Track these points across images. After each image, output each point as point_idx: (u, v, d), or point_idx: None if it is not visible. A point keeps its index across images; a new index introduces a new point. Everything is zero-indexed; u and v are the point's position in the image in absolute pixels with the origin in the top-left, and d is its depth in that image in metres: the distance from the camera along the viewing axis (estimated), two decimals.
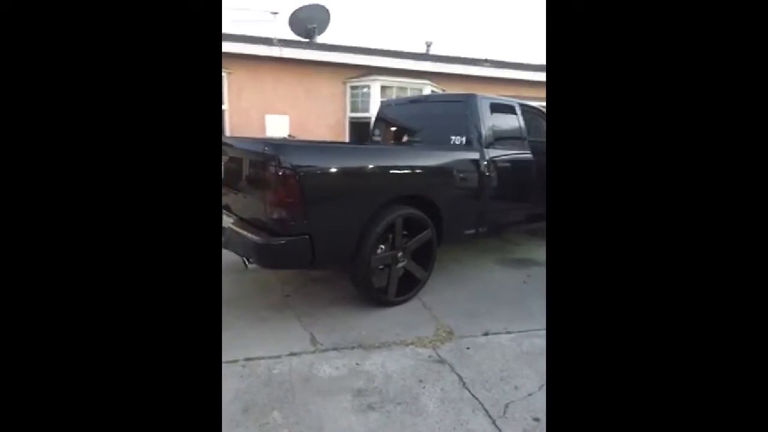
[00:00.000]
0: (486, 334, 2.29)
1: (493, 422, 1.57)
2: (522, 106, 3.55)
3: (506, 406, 1.67)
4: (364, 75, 5.75)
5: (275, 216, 2.06)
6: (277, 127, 5.57)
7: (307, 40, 6.64)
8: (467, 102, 3.13)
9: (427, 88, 5.83)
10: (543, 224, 3.59)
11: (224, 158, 2.53)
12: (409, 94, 5.80)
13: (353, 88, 5.82)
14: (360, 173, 2.34)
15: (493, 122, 3.17)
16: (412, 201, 2.55)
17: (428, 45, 9.30)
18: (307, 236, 2.09)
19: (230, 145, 2.54)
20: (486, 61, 6.83)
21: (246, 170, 2.34)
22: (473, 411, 1.63)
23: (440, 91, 6.05)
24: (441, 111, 3.34)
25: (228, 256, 3.35)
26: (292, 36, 7.10)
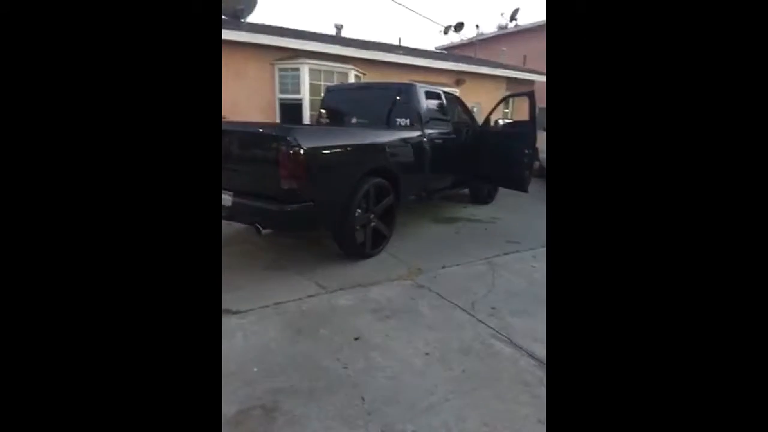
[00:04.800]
0: (443, 267, 3.10)
1: (468, 312, 2.38)
2: (445, 93, 4.39)
3: (472, 303, 2.49)
4: (290, 58, 5.97)
5: (286, 187, 2.50)
6: None
7: (235, 20, 6.47)
8: (409, 89, 3.83)
9: (352, 73, 6.33)
10: (459, 189, 4.81)
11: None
12: (335, 77, 6.23)
13: (282, 70, 6.01)
14: (349, 149, 2.90)
15: (428, 106, 3.94)
16: (379, 172, 3.18)
17: (338, 28, 9.64)
18: (311, 203, 2.59)
19: (227, 130, 2.81)
20: (399, 48, 7.58)
21: (249, 150, 2.68)
22: (453, 309, 2.42)
23: (362, 75, 6.61)
24: (386, 97, 3.97)
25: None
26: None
